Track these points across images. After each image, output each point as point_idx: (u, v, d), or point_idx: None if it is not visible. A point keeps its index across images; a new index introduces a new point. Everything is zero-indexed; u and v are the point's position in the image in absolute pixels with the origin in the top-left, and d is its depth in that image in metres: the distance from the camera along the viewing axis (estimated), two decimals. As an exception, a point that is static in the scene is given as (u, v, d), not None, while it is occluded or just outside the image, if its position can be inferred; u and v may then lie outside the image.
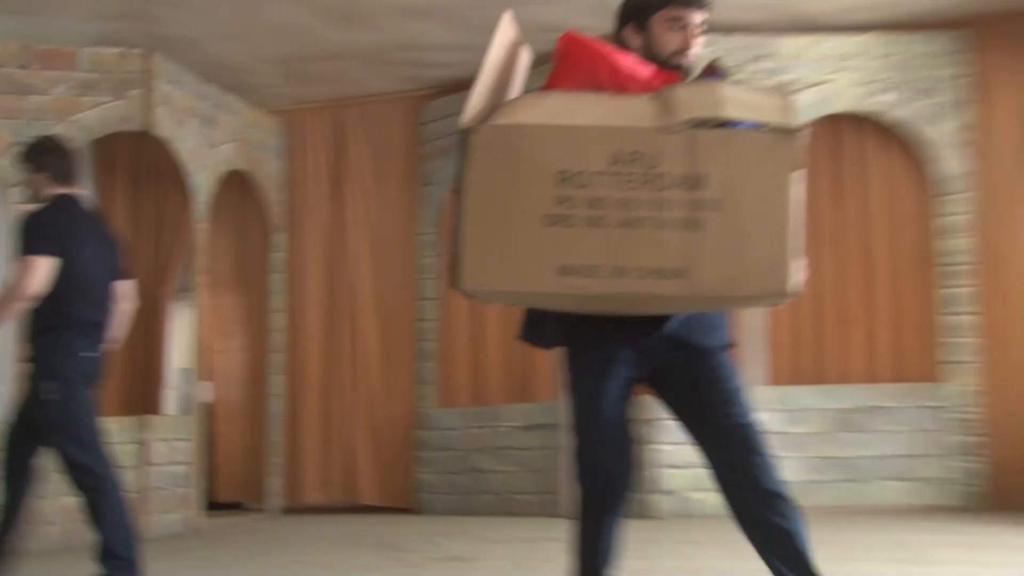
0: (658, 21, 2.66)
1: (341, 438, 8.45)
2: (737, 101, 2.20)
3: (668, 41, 2.66)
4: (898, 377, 7.33)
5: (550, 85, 2.62)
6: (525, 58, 2.70)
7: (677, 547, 5.74)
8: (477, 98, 2.24)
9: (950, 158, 7.19)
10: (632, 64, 2.62)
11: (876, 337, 7.50)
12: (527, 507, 7.62)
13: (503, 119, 2.19)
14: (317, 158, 8.79)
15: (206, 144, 7.79)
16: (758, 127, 2.12)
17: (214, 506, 8.15)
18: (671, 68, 2.63)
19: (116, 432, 6.33)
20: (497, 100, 2.36)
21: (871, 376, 7.37)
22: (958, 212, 7.12)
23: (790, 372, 7.47)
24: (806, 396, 7.06)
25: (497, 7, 5.86)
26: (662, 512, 7.02)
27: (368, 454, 8.40)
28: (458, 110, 6.01)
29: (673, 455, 6.88)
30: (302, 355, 8.59)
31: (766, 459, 2.49)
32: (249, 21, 7.14)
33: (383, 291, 8.56)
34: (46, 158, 4.30)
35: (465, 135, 2.18)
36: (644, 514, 6.95)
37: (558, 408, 7.31)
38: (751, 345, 7.05)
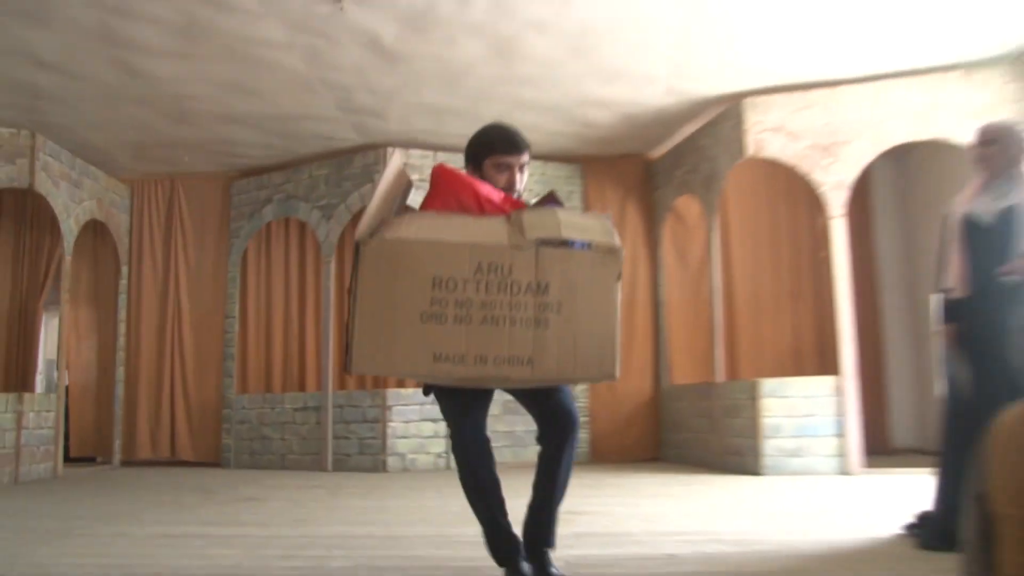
0: (488, 165, 2.99)
1: (167, 412, 9.54)
2: (572, 225, 2.50)
3: (497, 180, 2.98)
4: None
5: (426, 206, 2.86)
6: (409, 182, 2.95)
7: (402, 491, 6.54)
8: (368, 217, 2.44)
9: (574, 240, 9.69)
10: (490, 191, 2.88)
11: None
12: (299, 464, 8.89)
13: (389, 234, 2.41)
14: (154, 214, 9.93)
15: (74, 200, 8.75)
16: (588, 246, 2.41)
17: (71, 460, 9.07)
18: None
19: (0, 405, 7.63)
20: (384, 217, 2.54)
21: None
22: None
23: None
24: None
25: (291, 121, 8.15)
26: (392, 468, 8.33)
27: (186, 424, 9.59)
28: (257, 187, 7.60)
29: (399, 429, 8.47)
30: (139, 353, 9.66)
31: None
32: (109, 116, 8.03)
33: (198, 310, 9.76)
34: None
35: (358, 247, 2.40)
36: (381, 469, 8.30)
37: (322, 396, 8.82)
38: None
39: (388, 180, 2.65)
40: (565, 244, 2.47)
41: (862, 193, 9.28)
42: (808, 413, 7.26)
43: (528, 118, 8.24)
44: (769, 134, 7.61)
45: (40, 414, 8.22)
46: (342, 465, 8.71)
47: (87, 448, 9.71)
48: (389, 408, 8.51)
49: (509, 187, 2.99)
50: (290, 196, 9.53)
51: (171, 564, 3.70)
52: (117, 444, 9.61)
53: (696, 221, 9.24)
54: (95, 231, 9.71)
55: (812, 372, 8.38)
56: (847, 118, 7.50)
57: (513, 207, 2.86)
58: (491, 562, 2.99)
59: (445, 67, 7.14)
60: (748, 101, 7.67)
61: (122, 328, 9.78)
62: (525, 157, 3.05)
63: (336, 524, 4.84)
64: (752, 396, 7.38)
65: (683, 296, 9.35)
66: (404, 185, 2.88)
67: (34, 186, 8.15)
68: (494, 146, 3.01)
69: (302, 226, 9.74)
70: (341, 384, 9.32)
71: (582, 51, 6.89)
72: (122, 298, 9.81)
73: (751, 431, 7.35)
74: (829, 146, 7.49)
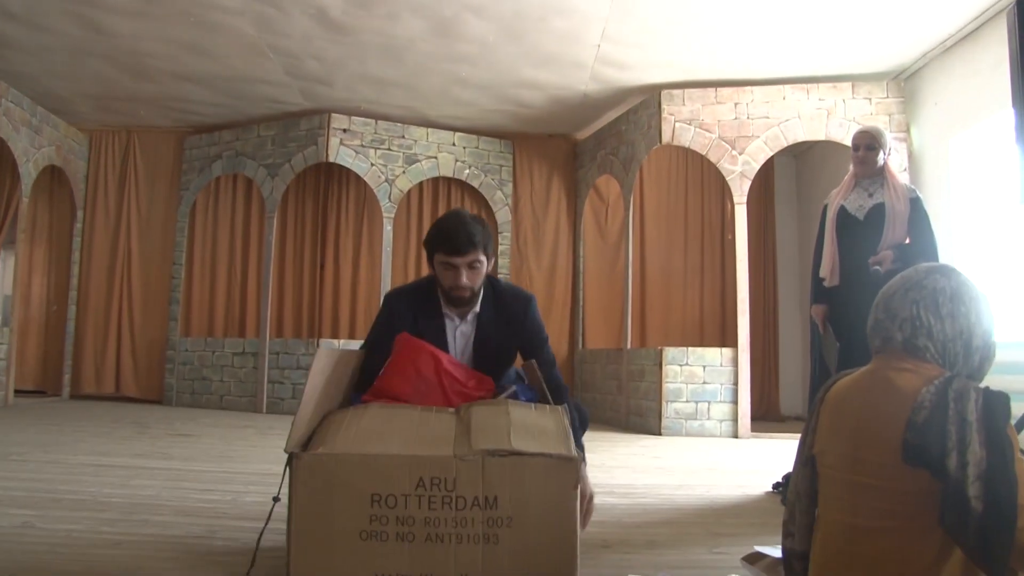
0: (436, 262, 2.81)
1: (112, 350, 9.44)
2: (524, 429, 2.24)
3: (444, 278, 2.81)
4: None
5: (386, 376, 2.70)
6: (352, 362, 2.77)
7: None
8: (298, 426, 2.20)
9: (501, 211, 9.44)
10: (452, 363, 2.73)
11: None
12: (236, 405, 8.80)
13: (322, 447, 2.15)
14: (110, 163, 9.75)
15: (33, 146, 8.58)
16: (543, 455, 2.11)
17: (22, 392, 8.95)
18: (454, 299, 2.84)
19: None
20: (320, 417, 2.35)
21: None
22: (504, 243, 9.38)
23: None
24: None
25: (242, 82, 8.07)
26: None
27: (131, 362, 9.48)
28: (208, 144, 7.63)
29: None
30: (88, 293, 9.52)
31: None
32: (72, 68, 7.85)
33: (147, 255, 9.61)
34: None
35: (289, 460, 2.13)
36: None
37: (260, 342, 8.75)
38: None
39: (316, 381, 2.39)
40: (515, 453, 2.15)
41: (766, 183, 9.45)
42: (706, 380, 7.36)
43: (465, 94, 8.25)
44: (683, 124, 7.68)
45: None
46: (276, 408, 8.63)
47: (35, 380, 9.57)
48: (324, 357, 8.41)
49: (454, 286, 2.79)
50: (239, 153, 9.38)
51: (94, 491, 3.64)
52: (66, 378, 9.48)
53: (615, 199, 9.37)
54: (53, 176, 9.58)
55: (713, 343, 8.55)
56: (752, 115, 7.61)
57: (479, 384, 2.70)
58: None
59: (388, 41, 7.06)
60: (665, 93, 7.73)
61: (75, 269, 9.64)
62: (472, 256, 2.76)
63: (258, 462, 4.80)
64: (656, 362, 7.47)
65: (600, 268, 9.44)
66: (344, 369, 2.65)
67: (-5, 131, 7.92)
68: (439, 245, 2.78)
69: (249, 182, 9.62)
70: (278, 332, 9.24)
71: (516, 35, 6.85)
72: (76, 240, 9.66)
73: (654, 395, 7.44)
74: (735, 139, 7.60)
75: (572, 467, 2.13)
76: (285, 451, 2.16)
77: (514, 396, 2.74)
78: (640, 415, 7.67)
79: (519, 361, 3.00)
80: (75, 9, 6.61)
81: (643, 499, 3.93)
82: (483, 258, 2.80)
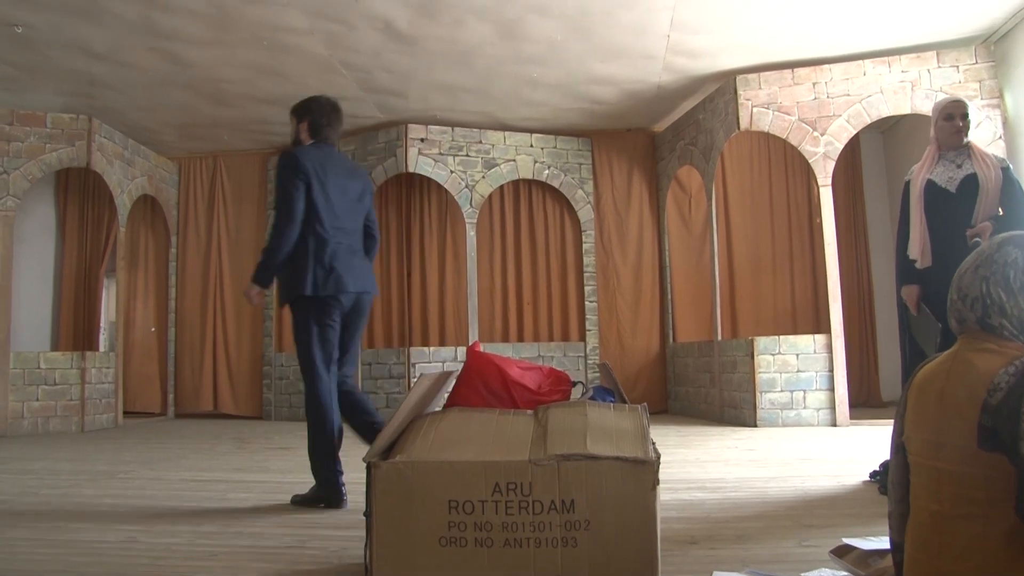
0: None
1: (211, 369, 9.67)
2: (601, 432, 2.22)
3: None
4: (560, 338, 9.45)
5: (456, 390, 2.74)
6: (446, 380, 2.86)
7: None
8: (382, 437, 2.27)
9: (583, 210, 9.41)
10: (521, 374, 2.73)
11: (544, 314, 9.49)
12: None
13: (400, 455, 2.19)
14: (199, 189, 10.07)
15: (127, 177, 8.95)
16: (619, 458, 2.09)
17: (131, 413, 9.29)
18: None
19: (67, 361, 8.05)
20: (403, 427, 2.39)
21: (538, 337, 9.45)
22: (588, 241, 9.36)
23: (497, 332, 9.40)
24: (506, 349, 8.97)
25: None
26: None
27: (228, 381, 9.72)
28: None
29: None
30: (186, 315, 9.85)
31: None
32: (156, 100, 8.21)
33: (238, 274, 9.78)
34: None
35: (368, 469, 2.18)
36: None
37: None
38: (472, 314, 8.93)
39: (412, 399, 2.44)
40: (590, 457, 2.14)
41: (852, 163, 9.22)
42: (800, 369, 7.22)
43: (537, 95, 8.26)
44: (761, 108, 7.55)
45: (102, 370, 8.44)
46: (371, 417, 8.73)
47: (142, 401, 9.88)
48: (413, 365, 8.61)
49: None
50: (321, 170, 9.52)
51: (193, 505, 3.79)
52: (170, 398, 9.80)
53: (697, 190, 9.24)
54: (147, 204, 9.96)
55: (807, 331, 8.39)
56: (832, 94, 7.43)
57: (552, 387, 2.70)
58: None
59: (455, 48, 7.13)
60: (741, 78, 7.61)
61: (172, 293, 10.00)
62: None
63: (351, 471, 4.86)
64: (748, 353, 7.36)
65: (687, 259, 9.34)
66: (439, 387, 2.72)
67: (91, 165, 8.38)
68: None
69: (332, 198, 9.73)
70: (370, 343, 9.38)
71: (582, 32, 6.83)
72: (172, 265, 10.02)
73: (747, 386, 7.34)
74: (816, 120, 7.43)
75: (648, 469, 2.11)
76: (363, 460, 2.21)
77: (592, 397, 2.73)
78: (734, 407, 7.57)
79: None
80: (154, 44, 6.89)
81: (733, 493, 3.88)
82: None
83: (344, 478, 3.82)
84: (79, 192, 9.62)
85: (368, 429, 3.86)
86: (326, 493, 3.77)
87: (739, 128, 7.58)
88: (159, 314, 10.05)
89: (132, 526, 3.31)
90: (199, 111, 8.65)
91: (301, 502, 3.78)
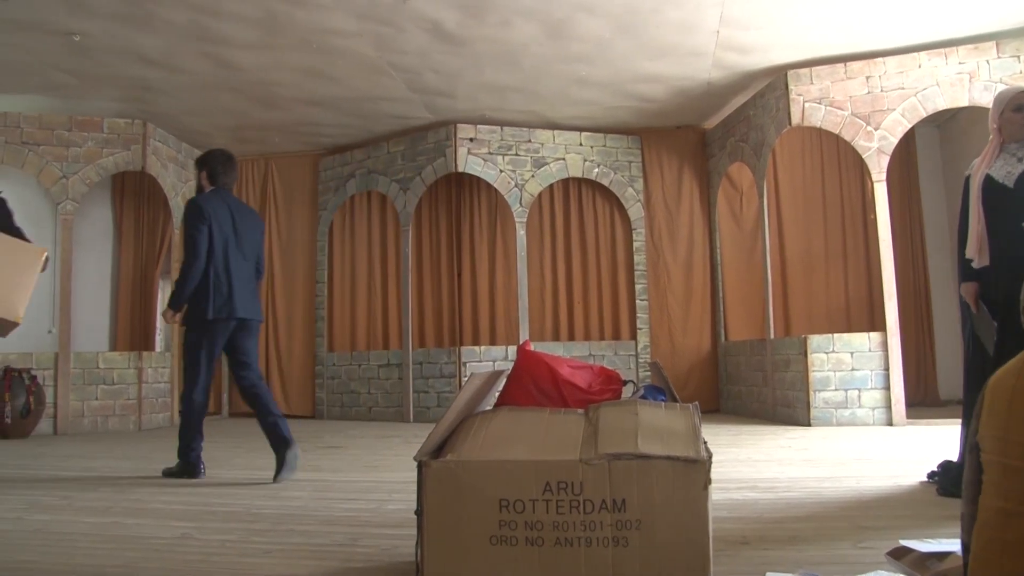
0: None
1: (264, 369, 9.45)
2: (653, 431, 2.20)
3: None
4: (610, 336, 9.46)
5: (507, 388, 2.75)
6: (497, 379, 2.85)
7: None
8: (432, 436, 2.27)
9: (633, 208, 9.39)
10: (571, 372, 2.72)
11: (594, 312, 9.49)
12: (384, 416, 9.05)
13: (451, 454, 2.20)
14: (251, 191, 10.16)
15: (180, 180, 9.14)
16: (670, 457, 2.07)
17: None
18: None
19: (124, 361, 8.29)
20: (454, 424, 2.39)
21: (589, 336, 9.46)
22: (639, 239, 9.34)
23: (548, 332, 9.45)
24: (557, 348, 9.03)
25: (366, 102, 8.32)
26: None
27: (279, 381, 9.82)
28: (341, 164, 8.19)
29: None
30: None
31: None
32: (208, 104, 8.35)
33: (290, 275, 9.97)
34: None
35: (419, 468, 2.18)
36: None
37: (403, 353, 8.99)
38: (523, 313, 8.96)
39: (463, 397, 2.44)
40: (641, 456, 2.12)
41: (907, 157, 9.05)
42: (854, 367, 7.12)
43: (586, 94, 8.24)
44: (813, 104, 7.45)
45: (158, 370, 8.68)
46: (422, 416, 8.82)
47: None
48: (464, 364, 8.64)
49: None
50: (371, 171, 9.68)
51: (246, 503, 3.84)
52: (225, 397, 9.94)
53: (748, 186, 9.15)
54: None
55: (861, 328, 8.25)
56: (886, 87, 7.30)
57: (603, 386, 2.69)
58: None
59: (503, 48, 7.13)
60: (792, 73, 7.52)
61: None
62: None
63: (403, 471, 4.91)
64: (801, 351, 7.28)
65: (738, 257, 9.26)
66: (494, 385, 2.76)
67: (146, 168, 8.60)
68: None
69: (382, 198, 9.89)
70: (421, 342, 9.44)
71: (630, 30, 6.80)
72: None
73: (801, 384, 7.25)
74: (870, 114, 7.31)
75: (700, 469, 2.08)
76: (414, 459, 2.21)
77: (643, 396, 2.70)
78: (787, 406, 7.48)
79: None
80: (204, 49, 7.01)
81: (787, 493, 3.84)
82: None
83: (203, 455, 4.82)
84: (135, 195, 9.80)
85: (270, 430, 4.65)
86: (187, 467, 4.73)
87: (791, 124, 7.49)
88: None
89: (186, 523, 3.37)
90: (250, 114, 8.76)
91: (169, 474, 4.77)
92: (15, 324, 3.66)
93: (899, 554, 2.34)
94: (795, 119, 7.46)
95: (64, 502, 4.00)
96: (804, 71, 7.49)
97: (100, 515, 3.62)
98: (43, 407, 7.84)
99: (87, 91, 7.87)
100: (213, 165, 4.91)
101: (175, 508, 3.75)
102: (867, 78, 7.34)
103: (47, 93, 7.94)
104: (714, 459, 2.16)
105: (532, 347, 2.89)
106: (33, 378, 7.81)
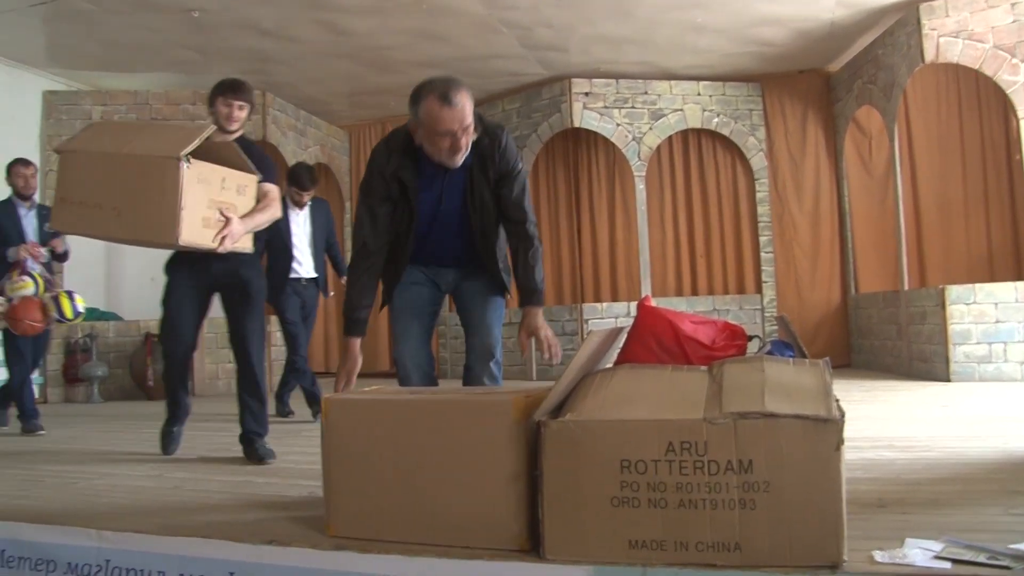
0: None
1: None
2: (780, 389, 2.12)
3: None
4: (735, 290, 9.32)
5: (628, 346, 2.68)
6: (621, 338, 2.75)
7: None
8: (552, 396, 2.20)
9: (755, 158, 9.10)
10: (693, 328, 2.64)
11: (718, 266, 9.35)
12: (507, 374, 8.75)
13: (570, 414, 2.14)
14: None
15: (300, 147, 9.36)
16: (799, 416, 1.97)
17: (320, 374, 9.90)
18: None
19: None
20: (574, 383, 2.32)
21: (713, 290, 9.32)
22: (762, 190, 9.07)
23: (670, 287, 9.33)
24: (680, 303, 8.78)
25: (479, 61, 8.24)
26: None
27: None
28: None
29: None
30: None
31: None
32: (324, 71, 8.54)
33: None
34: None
35: (538, 427, 2.13)
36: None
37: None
38: (644, 268, 8.93)
39: (582, 355, 2.33)
40: (768, 415, 2.01)
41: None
42: (999, 319, 6.72)
43: (703, 41, 8.00)
44: (948, 38, 6.98)
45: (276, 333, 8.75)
46: (545, 375, 8.76)
47: (328, 363, 10.23)
48: (586, 321, 8.57)
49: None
50: (487, 130, 9.60)
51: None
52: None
53: (878, 131, 8.70)
54: (320, 173, 10.07)
55: (1006, 278, 7.74)
56: (1033, 13, 6.77)
57: (727, 342, 2.61)
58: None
59: (616, -2, 6.94)
60: (924, 6, 7.06)
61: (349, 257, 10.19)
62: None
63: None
64: (939, 303, 6.92)
65: (868, 206, 8.86)
66: (608, 346, 2.64)
67: (267, 137, 8.79)
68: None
69: (500, 156, 9.80)
70: (541, 301, 9.39)
71: (748, -30, 6.51)
72: (346, 230, 10.14)
73: (939, 338, 6.90)
74: (1015, 46, 6.80)
75: (832, 428, 1.95)
76: (534, 419, 2.16)
77: (769, 352, 2.60)
78: (924, 360, 7.13)
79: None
80: (317, 16, 7.11)
81: (926, 453, 3.61)
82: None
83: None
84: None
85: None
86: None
87: (923, 61, 7.06)
88: (332, 276, 10.35)
89: (311, 481, 3.40)
90: (365, 79, 8.86)
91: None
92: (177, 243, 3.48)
93: (1056, 521, 2.16)
94: (928, 56, 7.02)
95: (194, 454, 4.26)
96: (938, 3, 7.03)
97: (232, 474, 3.71)
98: (181, 371, 8.18)
99: (209, 65, 8.10)
100: None
101: (303, 468, 3.79)
102: (1012, 5, 6.80)
103: (173, 69, 8.26)
104: (846, 416, 2.03)
105: (652, 303, 2.82)
106: (171, 344, 8.11)
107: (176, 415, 4.32)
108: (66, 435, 5.50)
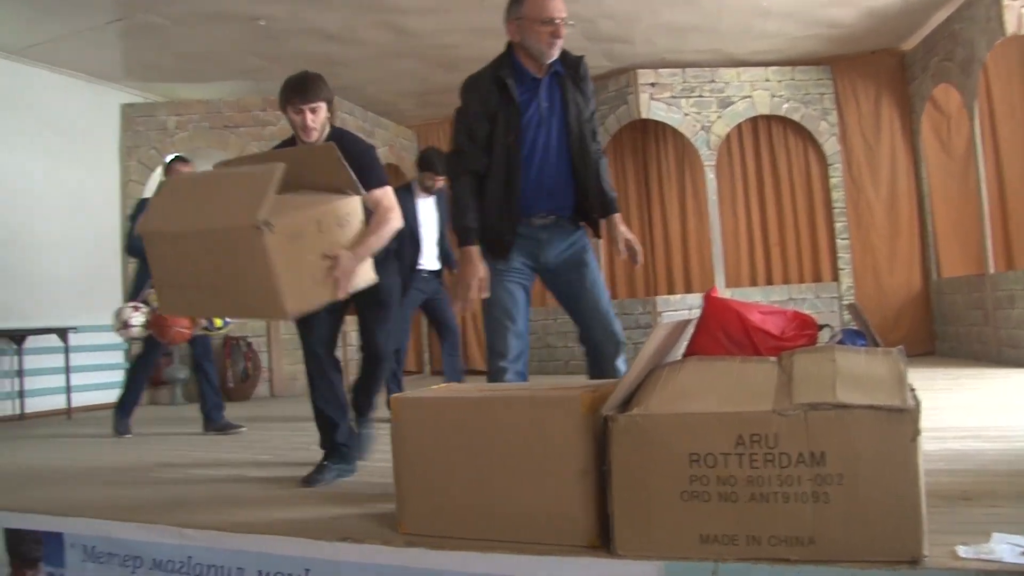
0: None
1: (462, 327, 10.25)
2: (852, 379, 2.07)
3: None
4: (811, 279, 9.08)
5: (695, 339, 2.62)
6: (688, 330, 2.69)
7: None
8: (619, 389, 2.20)
9: (828, 143, 8.91)
10: (762, 319, 2.59)
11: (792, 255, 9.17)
12: (580, 368, 8.70)
13: (637, 408, 2.13)
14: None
15: None
16: (872, 406, 1.92)
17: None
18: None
19: None
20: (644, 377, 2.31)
21: (788, 279, 9.13)
22: (836, 175, 8.87)
23: (744, 277, 9.21)
24: (755, 294, 8.79)
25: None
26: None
27: (476, 336, 10.02)
28: None
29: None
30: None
31: None
32: (389, 72, 8.59)
33: None
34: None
35: (606, 422, 2.12)
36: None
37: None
38: (717, 259, 8.89)
39: (649, 347, 2.30)
40: (840, 405, 1.96)
41: None
42: (1094, 301, 6.45)
43: (770, 26, 7.86)
44: (1032, 7, 6.71)
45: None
46: (578, 370, 8.70)
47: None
48: (660, 314, 8.48)
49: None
50: (557, 124, 9.58)
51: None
52: (426, 356, 10.29)
53: (957, 109, 8.38)
54: (391, 173, 10.14)
55: (1103, 258, 7.44)
56: (1125, -24, 6.46)
57: (797, 331, 2.55)
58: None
59: (681, -16, 6.86)
60: (1005, -24, 6.78)
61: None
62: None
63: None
64: (1028, 286, 6.66)
65: (948, 187, 8.55)
66: (681, 335, 2.64)
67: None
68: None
69: (569, 148, 9.77)
70: (614, 294, 9.33)
71: (816, -50, 6.36)
72: (418, 231, 10.36)
73: (1029, 322, 6.65)
74: (1106, 11, 6.49)
75: (907, 418, 1.89)
76: (602, 414, 2.14)
77: (840, 341, 2.55)
78: (1015, 346, 6.88)
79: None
80: (380, 18, 7.20)
81: (1018, 443, 3.48)
82: None
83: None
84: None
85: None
86: None
87: (1005, 34, 6.79)
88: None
89: (386, 479, 3.41)
90: (431, 79, 8.88)
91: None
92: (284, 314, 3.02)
93: None
94: (1010, 28, 6.75)
95: (276, 457, 4.35)
96: (1019, -27, 6.76)
97: (304, 470, 3.74)
98: (259, 372, 8.44)
99: (276, 72, 8.00)
100: None
101: (375, 465, 3.79)
102: (1097, -28, 6.53)
103: (243, 77, 8.43)
104: (929, 405, 1.96)
105: (721, 293, 2.81)
106: (249, 345, 8.41)
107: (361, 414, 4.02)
108: (152, 437, 5.66)
